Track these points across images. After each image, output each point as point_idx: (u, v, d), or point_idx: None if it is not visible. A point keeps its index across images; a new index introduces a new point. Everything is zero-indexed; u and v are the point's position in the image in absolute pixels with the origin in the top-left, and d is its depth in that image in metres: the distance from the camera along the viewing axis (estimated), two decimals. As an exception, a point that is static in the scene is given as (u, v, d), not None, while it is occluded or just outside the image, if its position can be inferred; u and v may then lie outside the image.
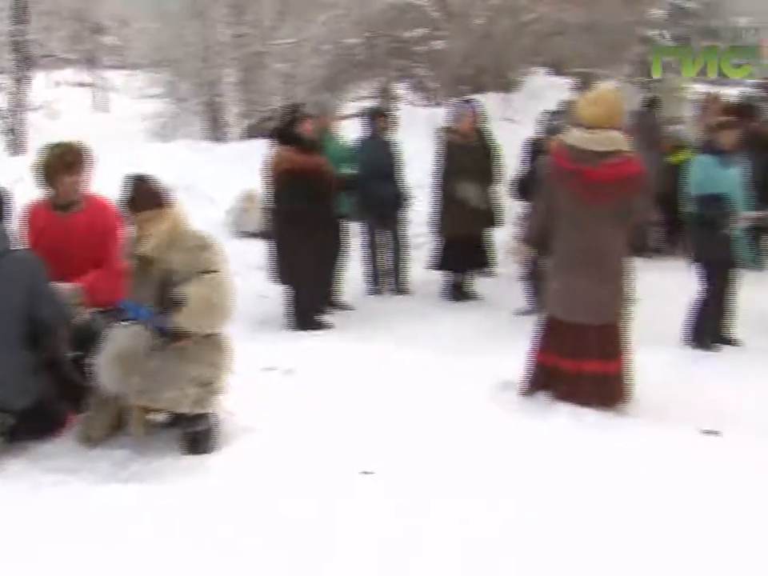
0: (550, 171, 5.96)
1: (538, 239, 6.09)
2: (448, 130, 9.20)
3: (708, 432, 5.62)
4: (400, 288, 9.28)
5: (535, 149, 8.92)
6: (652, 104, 12.34)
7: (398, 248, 9.32)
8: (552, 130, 8.53)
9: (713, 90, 17.12)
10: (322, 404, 5.68)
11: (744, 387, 6.33)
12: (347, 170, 8.61)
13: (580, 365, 5.93)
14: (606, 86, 6.47)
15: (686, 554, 3.95)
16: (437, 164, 9.09)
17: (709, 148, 7.62)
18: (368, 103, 15.91)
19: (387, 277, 9.35)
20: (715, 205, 7.31)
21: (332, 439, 5.15)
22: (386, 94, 16.99)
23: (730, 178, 7.43)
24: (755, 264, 7.78)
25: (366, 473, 4.73)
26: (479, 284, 9.32)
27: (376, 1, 15.97)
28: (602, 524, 4.22)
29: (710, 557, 3.94)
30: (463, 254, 8.96)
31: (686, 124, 13.11)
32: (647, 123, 11.51)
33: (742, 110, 10.87)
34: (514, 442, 5.24)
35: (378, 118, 9.22)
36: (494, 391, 6.12)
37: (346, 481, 4.66)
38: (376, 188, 8.81)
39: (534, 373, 6.10)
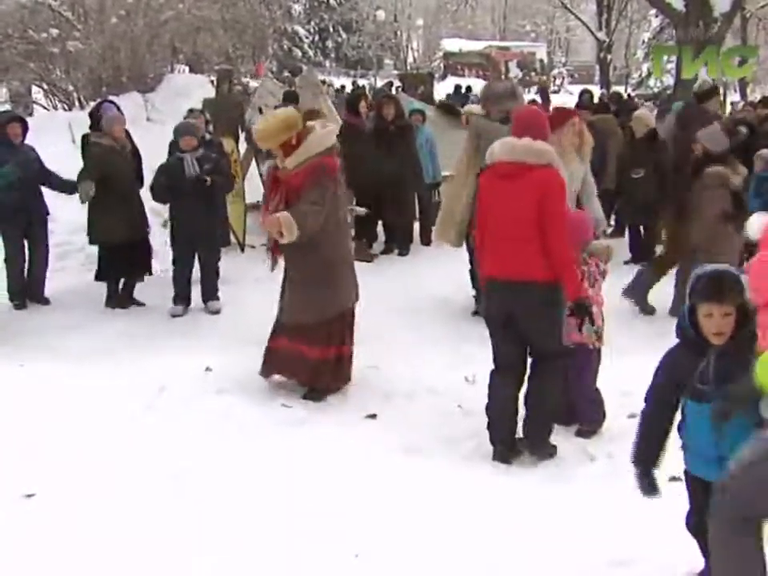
0: None
1: None
2: (96, 135, 8.91)
3: (368, 416, 5.99)
4: (44, 299, 8.89)
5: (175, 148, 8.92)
6: (291, 98, 12.65)
7: (40, 258, 8.91)
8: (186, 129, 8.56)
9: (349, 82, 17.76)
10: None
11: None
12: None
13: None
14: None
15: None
16: (83, 170, 8.79)
17: None
18: (2, 108, 15.15)
19: (30, 289, 8.91)
20: None
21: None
22: (20, 99, 16.20)
23: None
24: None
25: (29, 495, 4.62)
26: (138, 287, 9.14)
27: (5, 0, 15.17)
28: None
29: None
30: (122, 261, 8.75)
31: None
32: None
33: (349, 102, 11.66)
34: (169, 449, 5.28)
35: (11, 124, 8.72)
36: (151, 398, 6.08)
37: (7, 505, 4.53)
38: (17, 197, 8.37)
39: (265, 356, 6.43)
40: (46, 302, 8.85)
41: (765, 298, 3.18)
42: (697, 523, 3.61)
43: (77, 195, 8.46)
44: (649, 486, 3.62)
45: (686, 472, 3.65)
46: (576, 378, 5.56)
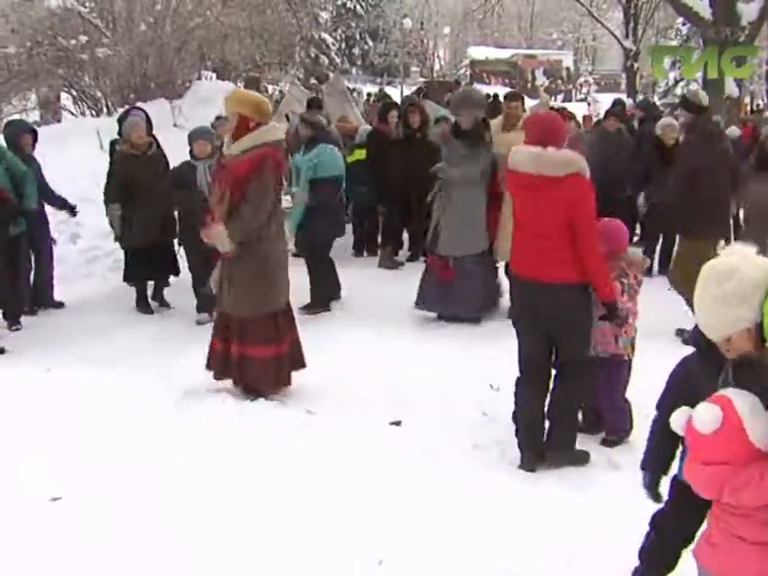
0: None
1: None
2: (119, 142, 9.00)
3: (393, 423, 5.97)
4: (56, 303, 8.97)
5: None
6: (315, 104, 12.69)
7: (44, 263, 8.99)
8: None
9: (377, 90, 17.72)
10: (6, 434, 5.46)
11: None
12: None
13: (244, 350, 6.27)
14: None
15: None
16: (108, 176, 8.87)
17: None
18: (33, 115, 15.31)
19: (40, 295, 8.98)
20: None
21: (16, 468, 5.01)
22: (49, 105, 16.35)
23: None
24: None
25: (55, 499, 4.69)
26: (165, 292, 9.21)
27: (36, 7, 15.31)
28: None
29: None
30: (147, 264, 8.80)
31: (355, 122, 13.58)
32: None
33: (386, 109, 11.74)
34: (202, 449, 5.33)
35: (23, 135, 8.75)
36: (175, 402, 6.14)
37: (33, 508, 4.59)
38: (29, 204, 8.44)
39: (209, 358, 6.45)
40: (59, 305, 8.92)
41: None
42: (665, 523, 3.60)
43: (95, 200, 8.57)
44: (654, 493, 3.61)
45: (674, 477, 3.52)
46: (607, 389, 5.52)
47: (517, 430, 5.36)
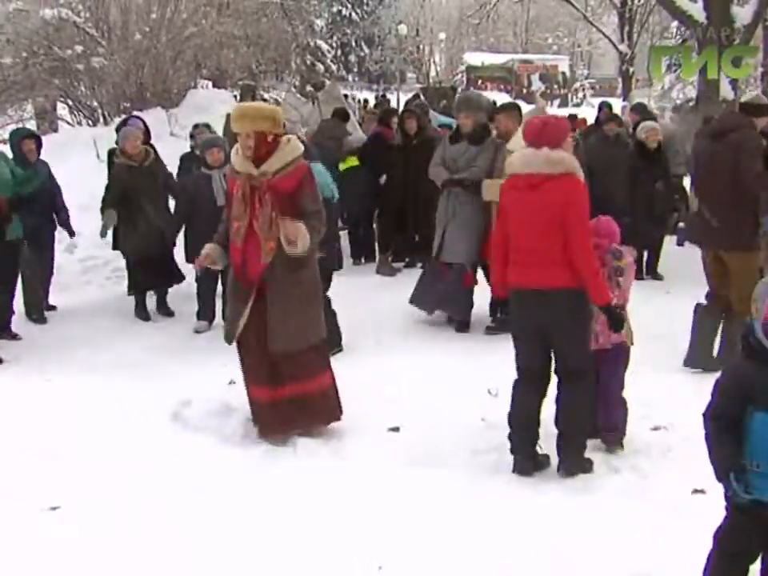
0: None
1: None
2: (116, 150, 9.02)
3: (391, 429, 5.95)
4: (49, 306, 8.99)
5: (186, 164, 8.96)
6: (341, 115, 12.70)
7: (47, 271, 9.00)
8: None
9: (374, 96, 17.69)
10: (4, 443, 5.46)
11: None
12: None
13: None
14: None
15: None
16: (107, 187, 8.88)
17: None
18: (29, 126, 15.31)
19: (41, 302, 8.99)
20: None
21: (15, 477, 5.02)
22: (45, 115, 16.37)
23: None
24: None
25: (54, 508, 4.69)
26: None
27: (31, 18, 15.32)
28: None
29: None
30: (148, 273, 8.80)
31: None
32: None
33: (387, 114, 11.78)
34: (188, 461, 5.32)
35: (24, 141, 8.77)
36: (176, 411, 6.12)
37: (32, 517, 4.59)
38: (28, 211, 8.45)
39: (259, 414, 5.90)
40: (51, 308, 9.00)
41: None
42: (726, 540, 3.41)
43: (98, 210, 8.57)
44: (742, 491, 3.29)
45: (740, 506, 3.29)
46: (609, 379, 5.45)
47: (510, 433, 5.31)
